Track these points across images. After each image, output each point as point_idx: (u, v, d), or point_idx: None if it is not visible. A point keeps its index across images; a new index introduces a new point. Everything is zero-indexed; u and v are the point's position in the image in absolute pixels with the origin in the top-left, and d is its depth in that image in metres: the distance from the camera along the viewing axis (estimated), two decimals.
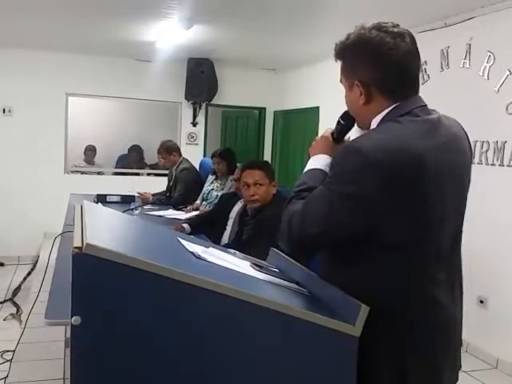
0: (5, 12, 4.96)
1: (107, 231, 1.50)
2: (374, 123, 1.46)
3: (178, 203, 5.27)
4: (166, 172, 6.25)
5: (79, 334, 1.07)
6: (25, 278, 5.65)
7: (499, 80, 3.95)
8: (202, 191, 5.36)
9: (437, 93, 4.57)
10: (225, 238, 3.82)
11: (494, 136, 4.00)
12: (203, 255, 1.44)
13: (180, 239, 1.64)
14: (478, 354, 4.04)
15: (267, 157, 8.08)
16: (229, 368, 1.19)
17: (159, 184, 6.19)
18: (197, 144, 7.74)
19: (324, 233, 1.39)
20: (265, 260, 1.74)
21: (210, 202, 5.05)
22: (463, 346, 1.72)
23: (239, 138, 8.47)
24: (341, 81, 1.54)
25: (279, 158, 8.04)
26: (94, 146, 8.29)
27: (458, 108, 4.28)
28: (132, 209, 4.37)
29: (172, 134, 7.53)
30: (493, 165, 4.01)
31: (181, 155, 5.77)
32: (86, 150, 8.24)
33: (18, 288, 5.37)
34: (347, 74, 1.49)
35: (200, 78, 7.17)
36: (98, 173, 8.01)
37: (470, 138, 1.64)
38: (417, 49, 1.46)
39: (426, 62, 4.75)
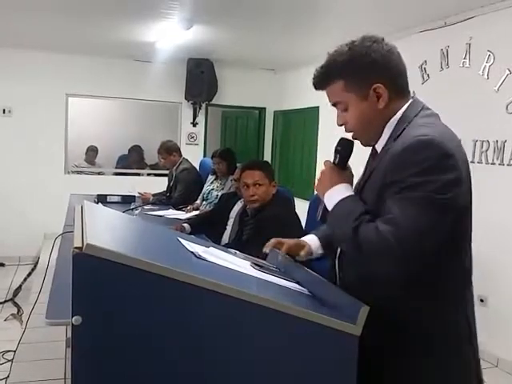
0: (5, 12, 4.96)
1: (107, 231, 1.50)
2: (392, 123, 1.48)
3: (178, 203, 5.27)
4: (166, 172, 6.25)
5: (80, 334, 1.07)
6: (25, 279, 5.66)
7: (499, 79, 3.95)
8: (202, 191, 5.36)
9: (437, 92, 4.58)
10: (225, 238, 3.83)
11: (494, 135, 4.00)
12: (203, 255, 1.44)
13: (180, 239, 1.64)
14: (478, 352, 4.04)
15: (267, 157, 8.09)
16: (229, 368, 1.19)
17: (159, 184, 6.20)
18: (197, 144, 7.74)
19: (436, 240, 1.33)
20: (265, 260, 1.74)
21: (210, 202, 5.05)
22: None
23: (239, 138, 8.47)
24: (335, 104, 1.52)
25: (279, 157, 8.04)
26: (95, 147, 8.32)
27: (458, 107, 4.29)
28: (132, 209, 4.37)
29: (172, 134, 7.53)
30: (493, 164, 4.02)
31: (181, 155, 5.77)
32: (87, 151, 8.26)
33: (19, 288, 5.37)
34: (357, 87, 1.46)
35: (200, 78, 7.17)
36: (99, 173, 8.02)
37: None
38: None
39: (425, 61, 4.75)
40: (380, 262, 1.35)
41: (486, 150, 4.06)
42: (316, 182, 1.60)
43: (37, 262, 6.05)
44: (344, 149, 1.58)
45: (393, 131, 1.48)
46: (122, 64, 7.19)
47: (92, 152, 8.28)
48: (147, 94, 7.38)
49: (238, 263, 1.57)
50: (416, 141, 1.34)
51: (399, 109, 1.48)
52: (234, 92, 7.67)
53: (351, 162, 1.61)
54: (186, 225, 3.93)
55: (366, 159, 1.62)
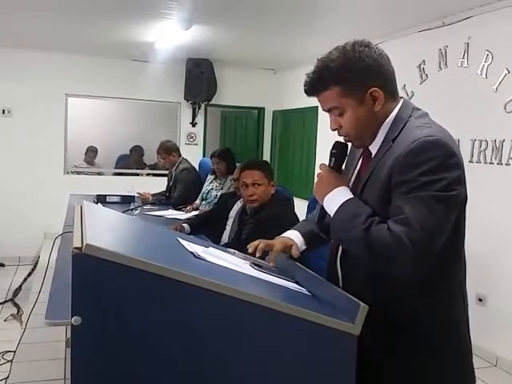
0: (4, 12, 4.96)
1: (107, 232, 1.51)
2: (387, 125, 1.50)
3: (178, 203, 5.27)
4: (166, 172, 6.25)
5: (79, 334, 1.07)
6: (25, 279, 5.65)
7: (497, 79, 3.95)
8: (202, 191, 5.36)
9: (435, 92, 4.58)
10: (224, 238, 3.83)
11: (492, 135, 4.01)
12: (203, 255, 1.45)
13: (180, 239, 1.65)
14: (478, 351, 4.04)
15: (266, 156, 8.09)
16: (228, 367, 1.19)
17: (159, 184, 6.20)
18: (196, 144, 7.74)
19: (444, 238, 1.36)
20: (264, 259, 1.75)
21: (210, 202, 5.06)
22: None
23: (238, 138, 8.47)
24: (330, 109, 1.52)
25: (278, 157, 8.05)
26: (95, 147, 8.33)
27: (457, 107, 4.30)
28: (132, 209, 4.37)
29: (171, 134, 7.54)
30: (491, 163, 4.02)
31: (180, 155, 5.77)
32: (87, 151, 8.27)
33: (19, 288, 5.37)
34: (353, 92, 1.47)
35: (199, 78, 7.18)
36: (98, 173, 8.01)
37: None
38: None
39: (424, 61, 4.76)
40: (393, 262, 1.35)
41: (485, 150, 4.06)
42: (314, 184, 1.61)
43: (37, 262, 6.05)
44: (339, 152, 1.60)
45: (388, 132, 1.49)
46: (122, 64, 7.19)
47: (91, 152, 8.28)
48: (146, 94, 7.38)
49: (238, 263, 1.57)
50: (423, 141, 1.36)
51: (392, 110, 1.51)
52: (233, 92, 7.68)
53: None
54: (185, 225, 3.93)
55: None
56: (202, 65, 7.16)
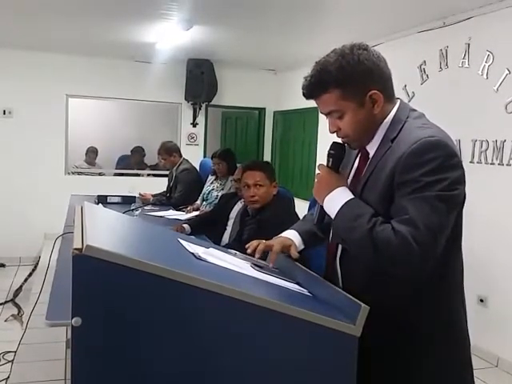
0: (5, 13, 4.96)
1: (107, 232, 1.51)
2: (385, 126, 1.51)
3: (179, 204, 5.27)
4: (166, 173, 6.25)
5: (80, 335, 1.07)
6: (26, 279, 5.66)
7: (498, 79, 3.95)
8: (202, 192, 5.37)
9: (436, 92, 4.58)
10: (225, 239, 3.83)
11: (493, 135, 4.00)
12: (203, 256, 1.45)
13: (180, 240, 1.65)
14: (479, 352, 4.04)
15: (267, 157, 8.09)
16: (228, 368, 1.19)
17: (159, 185, 6.20)
18: (197, 145, 7.75)
19: (445, 237, 1.38)
20: (265, 260, 1.74)
21: (210, 203, 5.06)
22: None
23: (239, 139, 8.48)
24: (329, 113, 1.52)
25: (279, 158, 8.05)
26: (95, 148, 8.34)
27: (457, 107, 4.29)
28: (132, 209, 4.37)
29: (172, 134, 7.55)
30: (492, 164, 4.02)
31: (181, 156, 5.78)
32: (87, 152, 8.28)
33: (19, 289, 5.38)
34: (354, 95, 1.47)
35: (200, 78, 7.18)
36: (99, 174, 8.02)
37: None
38: None
39: (424, 61, 4.76)
40: (398, 261, 1.35)
41: (486, 150, 4.06)
42: (314, 185, 1.61)
43: (37, 263, 6.06)
44: (337, 152, 1.61)
45: (386, 133, 1.50)
46: (122, 65, 7.19)
47: (92, 153, 8.29)
48: (147, 95, 7.38)
49: (238, 264, 1.57)
50: (425, 142, 1.37)
51: (389, 111, 1.52)
52: (233, 92, 7.68)
53: None
54: (186, 225, 3.93)
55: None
56: (202, 65, 7.16)
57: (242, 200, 3.72)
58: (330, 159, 1.60)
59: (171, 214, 4.84)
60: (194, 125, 7.70)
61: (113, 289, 1.09)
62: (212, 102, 7.58)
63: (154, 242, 1.68)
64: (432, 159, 1.35)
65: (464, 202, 1.46)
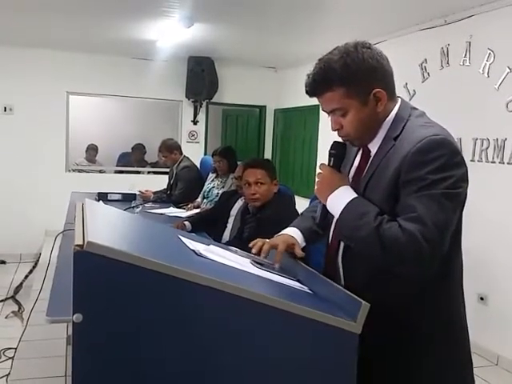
0: (5, 10, 4.96)
1: (108, 229, 1.51)
2: (387, 124, 1.51)
3: (179, 201, 5.27)
4: (167, 170, 6.25)
5: (80, 332, 1.07)
6: (26, 276, 5.66)
7: (499, 77, 3.94)
8: (203, 189, 5.37)
9: (437, 91, 4.58)
10: (226, 236, 3.83)
11: (494, 133, 4.00)
12: (204, 253, 1.45)
13: (181, 237, 1.65)
14: (479, 350, 4.04)
15: (268, 155, 8.09)
16: (229, 366, 1.19)
17: (160, 182, 6.20)
18: (197, 142, 7.75)
19: (450, 234, 1.38)
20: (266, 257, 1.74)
21: (211, 200, 5.06)
22: None
23: (240, 136, 8.47)
24: (333, 111, 1.52)
25: (280, 155, 8.04)
26: (95, 145, 8.34)
27: (458, 106, 4.29)
28: (133, 207, 4.37)
29: (173, 132, 7.54)
30: (493, 162, 4.01)
31: (182, 153, 5.78)
32: (87, 149, 8.28)
33: (20, 286, 5.38)
34: (358, 93, 1.47)
35: (200, 76, 7.17)
36: (100, 171, 8.02)
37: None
38: None
39: (425, 59, 4.75)
40: (407, 259, 1.35)
41: (486, 149, 4.06)
42: (316, 185, 1.60)
43: (38, 260, 6.06)
44: (338, 151, 1.60)
45: (388, 131, 1.50)
46: (123, 62, 7.19)
47: (92, 150, 8.29)
48: (148, 92, 7.38)
49: (239, 261, 1.57)
50: (430, 140, 1.37)
51: (391, 109, 1.52)
52: (234, 90, 7.68)
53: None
54: (186, 223, 3.93)
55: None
56: (203, 63, 7.15)
57: (243, 198, 3.72)
58: (332, 158, 1.60)
59: (172, 211, 4.85)
60: (195, 122, 7.69)
61: (114, 285, 1.09)
62: (213, 100, 7.58)
63: (155, 239, 1.68)
64: (437, 157, 1.35)
65: (465, 200, 1.46)
